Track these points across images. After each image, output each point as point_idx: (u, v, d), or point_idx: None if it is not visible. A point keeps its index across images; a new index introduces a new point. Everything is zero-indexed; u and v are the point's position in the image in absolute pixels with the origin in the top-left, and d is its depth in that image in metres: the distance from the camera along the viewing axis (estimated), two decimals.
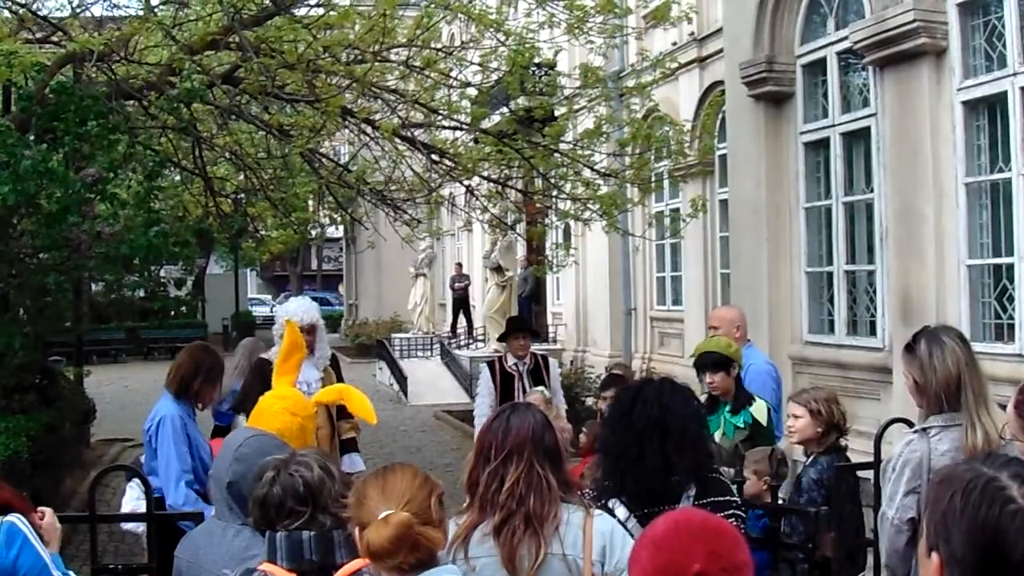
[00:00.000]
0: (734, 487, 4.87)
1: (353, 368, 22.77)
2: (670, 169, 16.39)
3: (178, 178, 15.15)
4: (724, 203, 15.19)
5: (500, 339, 9.98)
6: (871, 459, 5.49)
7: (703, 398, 6.28)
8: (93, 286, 13.59)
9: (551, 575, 3.49)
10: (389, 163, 13.44)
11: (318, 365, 7.80)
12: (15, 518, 3.17)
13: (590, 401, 15.79)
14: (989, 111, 8.98)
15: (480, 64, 12.27)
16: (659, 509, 3.92)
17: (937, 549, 1.87)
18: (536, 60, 13.30)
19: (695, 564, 2.23)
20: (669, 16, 13.37)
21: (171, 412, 6.30)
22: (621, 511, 3.94)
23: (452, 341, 26.91)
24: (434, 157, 12.60)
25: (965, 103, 9.05)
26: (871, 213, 10.48)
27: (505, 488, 3.54)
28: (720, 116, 15.12)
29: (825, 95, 11.09)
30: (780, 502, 5.79)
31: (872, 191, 10.39)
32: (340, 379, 7.85)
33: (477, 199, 13.98)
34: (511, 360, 9.44)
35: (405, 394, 23.09)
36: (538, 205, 15.35)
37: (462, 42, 12.73)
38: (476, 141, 13.27)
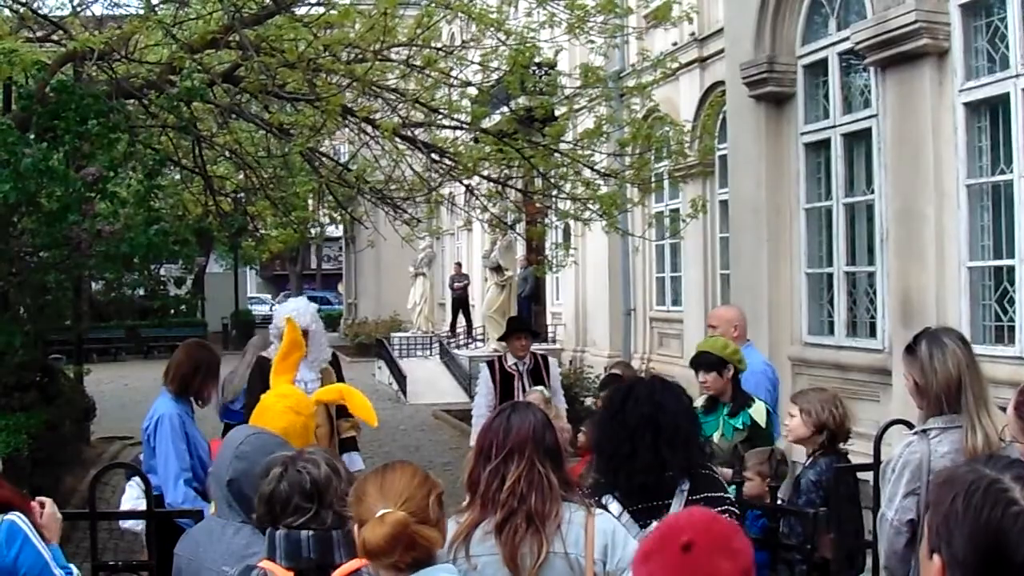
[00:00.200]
0: (732, 487, 4.88)
1: (352, 367, 22.77)
2: (670, 169, 16.39)
3: (178, 177, 15.15)
4: (724, 203, 15.19)
5: (501, 339, 9.98)
6: (870, 460, 5.48)
7: (702, 398, 6.30)
8: (93, 284, 13.60)
9: (553, 574, 3.49)
10: (389, 162, 13.44)
11: (313, 367, 7.76)
12: (15, 516, 3.17)
13: (589, 401, 15.78)
14: (991, 113, 8.97)
15: (480, 63, 12.26)
16: (652, 504, 3.95)
17: (939, 551, 1.87)
18: (536, 60, 13.28)
19: (684, 536, 2.28)
20: (670, 16, 13.39)
21: (170, 410, 6.31)
22: (614, 507, 3.96)
23: (451, 341, 26.92)
24: (434, 156, 12.60)
25: (967, 104, 9.03)
26: (872, 214, 10.47)
27: (506, 487, 3.54)
28: (720, 116, 15.12)
29: (826, 96, 11.08)
30: (779, 502, 5.79)
31: (873, 192, 10.38)
32: (341, 379, 7.85)
33: (477, 198, 13.98)
34: (511, 360, 9.44)
35: (404, 393, 23.10)
36: (538, 205, 15.34)
37: (463, 41, 12.73)
38: (476, 140, 13.26)
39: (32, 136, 8.98)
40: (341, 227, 34.83)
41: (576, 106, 13.20)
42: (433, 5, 11.01)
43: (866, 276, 10.77)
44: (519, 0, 12.54)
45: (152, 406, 6.47)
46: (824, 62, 11.03)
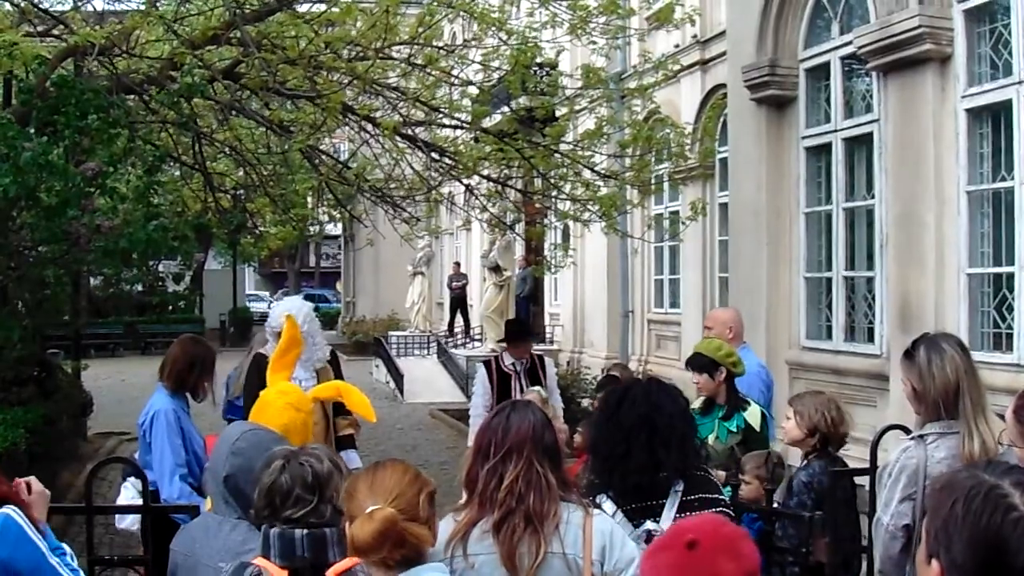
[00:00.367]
0: (727, 489, 4.88)
1: (350, 366, 22.69)
2: (670, 171, 16.38)
3: (178, 173, 15.14)
4: (724, 206, 15.19)
5: (501, 341, 9.97)
6: (867, 465, 5.48)
7: (699, 401, 6.31)
8: (92, 280, 13.59)
9: (551, 574, 3.49)
10: (389, 161, 13.42)
11: (307, 366, 7.70)
12: (10, 510, 3.16)
13: (586, 402, 15.78)
14: (993, 119, 8.96)
15: (482, 63, 12.26)
16: (646, 504, 3.95)
17: (938, 556, 1.86)
18: (538, 60, 13.27)
19: (689, 534, 2.34)
20: (672, 18, 13.33)
21: (165, 406, 6.31)
22: (608, 505, 3.97)
23: (449, 340, 26.93)
24: (434, 155, 12.58)
25: (969, 110, 9.02)
26: (871, 219, 10.47)
27: (504, 486, 3.53)
28: (721, 119, 15.13)
29: (828, 100, 11.08)
30: (775, 505, 5.79)
31: (873, 197, 10.38)
32: (340, 377, 7.83)
33: (476, 198, 13.97)
34: (508, 360, 9.43)
35: (401, 392, 23.12)
36: (537, 205, 15.33)
37: (464, 40, 12.71)
38: (476, 140, 13.25)
39: (32, 130, 8.96)
40: (340, 225, 34.82)
41: (577, 107, 13.20)
42: (435, 4, 11.00)
43: (865, 281, 10.77)
44: (521, 0, 12.53)
45: (148, 402, 6.46)
46: (826, 66, 11.03)
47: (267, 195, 15.05)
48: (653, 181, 15.31)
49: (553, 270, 16.75)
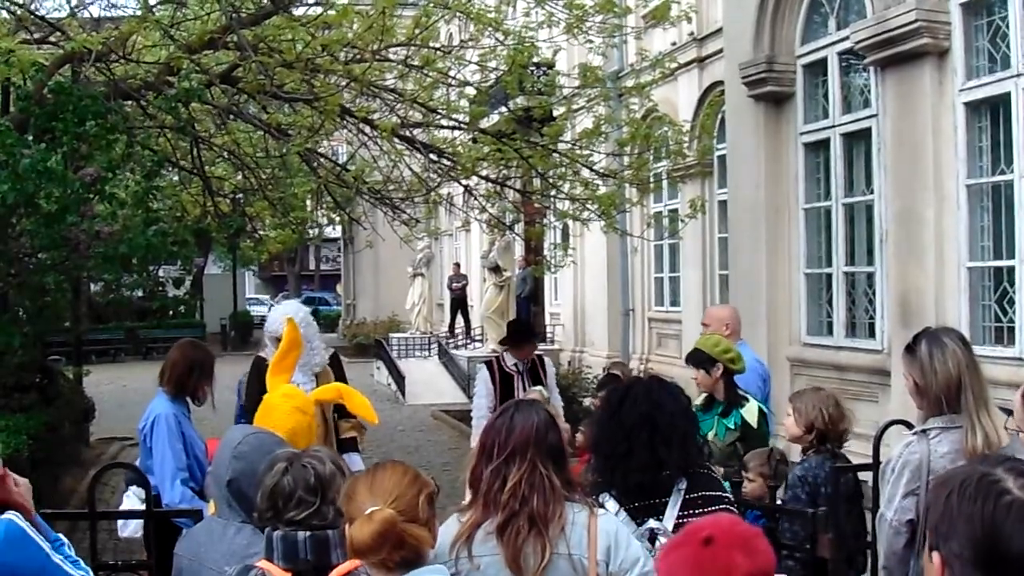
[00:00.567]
0: (726, 485, 4.87)
1: (351, 368, 22.61)
2: (669, 169, 16.37)
3: (176, 178, 15.14)
4: (723, 204, 15.19)
5: (503, 343, 9.95)
6: (869, 461, 5.48)
7: (701, 397, 6.32)
8: (92, 286, 13.59)
9: (556, 574, 3.48)
10: (387, 162, 13.43)
11: (305, 370, 7.64)
12: (12, 515, 3.15)
13: (588, 401, 15.78)
14: (991, 112, 8.96)
15: (479, 63, 12.26)
16: (649, 503, 3.95)
17: (938, 549, 1.88)
18: (535, 59, 13.28)
19: (706, 531, 2.38)
20: (668, 16, 13.36)
21: (166, 411, 6.30)
22: (611, 504, 3.96)
23: (450, 341, 26.93)
24: (432, 156, 12.58)
25: (967, 104, 9.02)
26: (871, 214, 10.47)
27: (507, 488, 3.52)
28: (719, 116, 15.12)
29: (826, 95, 11.08)
30: (779, 502, 5.80)
31: (872, 192, 10.38)
32: (343, 380, 7.81)
33: (475, 199, 13.98)
34: (510, 360, 9.43)
35: (403, 394, 23.10)
36: (536, 205, 15.33)
37: (461, 41, 12.72)
38: (474, 141, 13.25)
39: (30, 137, 8.97)
40: (339, 228, 34.89)
41: (575, 106, 13.19)
42: (431, 5, 11.00)
43: (865, 276, 10.77)
44: (517, 0, 12.53)
45: (148, 406, 6.46)
46: (824, 62, 11.03)
47: (266, 198, 15.06)
48: (652, 179, 15.31)
49: (553, 270, 16.76)
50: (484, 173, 13.38)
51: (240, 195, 16.01)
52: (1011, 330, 8.76)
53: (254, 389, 7.40)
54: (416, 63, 11.37)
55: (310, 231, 24.53)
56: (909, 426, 4.90)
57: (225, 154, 13.70)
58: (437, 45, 12.14)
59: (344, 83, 10.88)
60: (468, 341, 26.64)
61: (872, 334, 10.54)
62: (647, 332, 19.77)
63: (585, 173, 12.71)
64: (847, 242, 10.88)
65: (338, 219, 21.06)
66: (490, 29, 11.39)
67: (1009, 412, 4.60)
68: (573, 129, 13.56)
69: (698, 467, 4.15)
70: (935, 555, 1.88)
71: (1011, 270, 8.71)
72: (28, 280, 9.53)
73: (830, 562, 5.30)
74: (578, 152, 12.70)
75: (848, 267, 10.90)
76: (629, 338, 20.14)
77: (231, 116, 11.85)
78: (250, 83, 10.28)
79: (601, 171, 12.81)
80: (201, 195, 14.78)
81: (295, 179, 14.55)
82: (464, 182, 13.78)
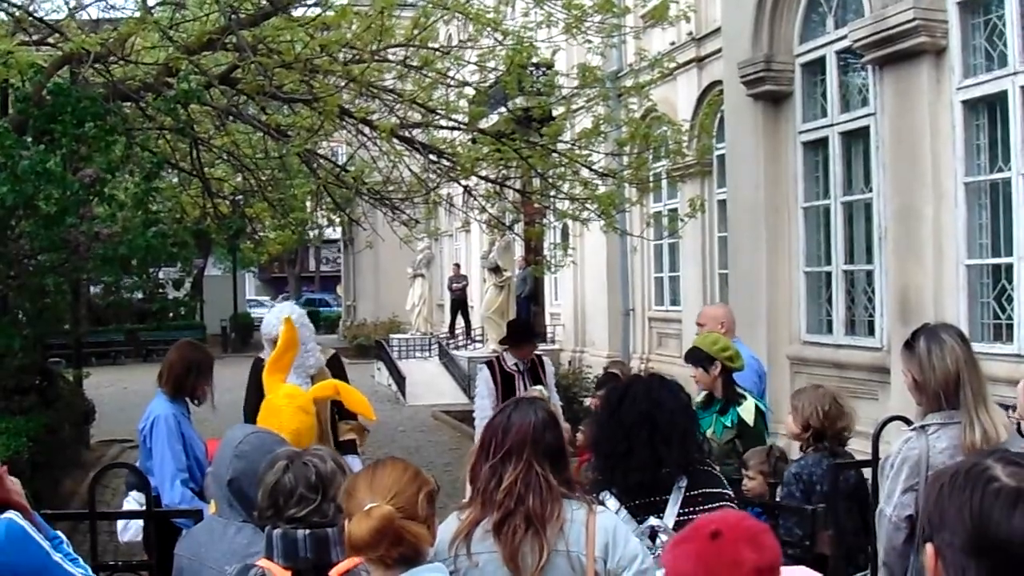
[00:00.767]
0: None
1: (351, 369, 22.57)
2: (668, 169, 16.39)
3: (176, 179, 15.15)
4: (722, 203, 15.19)
5: (503, 343, 9.95)
6: (869, 458, 5.49)
7: (701, 395, 6.34)
8: (92, 288, 13.60)
9: (554, 572, 3.48)
10: (387, 163, 13.43)
11: (299, 372, 7.57)
12: (12, 514, 3.16)
13: (588, 401, 15.78)
14: (989, 110, 8.96)
15: (478, 64, 12.26)
16: (650, 500, 3.95)
17: (931, 539, 1.90)
18: (534, 60, 13.29)
19: (713, 524, 2.39)
20: (667, 16, 13.37)
21: (165, 411, 6.31)
22: (612, 503, 3.97)
23: (450, 342, 26.93)
24: (432, 157, 12.59)
25: (965, 102, 9.03)
26: (870, 213, 10.47)
27: (503, 487, 3.53)
28: (718, 116, 15.13)
29: (824, 94, 11.08)
30: (778, 500, 5.82)
31: (871, 191, 10.38)
32: (346, 375, 7.79)
33: (475, 199, 13.98)
34: (511, 360, 9.43)
35: (403, 395, 23.10)
36: (536, 205, 15.34)
37: (460, 41, 12.73)
38: (474, 141, 13.26)
39: (29, 139, 8.97)
40: (339, 229, 34.85)
41: (574, 106, 13.20)
42: (430, 5, 11.01)
43: (864, 275, 10.77)
44: (516, 0, 12.54)
45: (148, 408, 6.47)
46: (822, 60, 11.03)
47: (266, 200, 15.07)
48: (651, 179, 15.31)
49: (553, 270, 16.77)
50: (483, 173, 13.39)
51: (240, 196, 16.01)
52: (1009, 327, 8.77)
53: (253, 390, 7.39)
54: (415, 63, 11.38)
55: (310, 232, 24.49)
56: (908, 422, 4.90)
57: (224, 155, 13.70)
58: (436, 45, 12.15)
59: (343, 84, 10.89)
60: (468, 342, 26.65)
61: (871, 332, 10.54)
62: (647, 332, 19.78)
63: (584, 173, 12.72)
64: (846, 240, 10.89)
65: (338, 220, 21.04)
66: (489, 29, 11.40)
67: (1008, 407, 4.61)
68: (572, 129, 13.57)
69: (698, 464, 4.16)
70: (928, 546, 1.90)
71: (1009, 267, 8.72)
72: (28, 282, 9.53)
73: (830, 559, 5.31)
74: (577, 152, 12.71)
75: (847, 265, 10.90)
76: (629, 338, 20.15)
77: (230, 117, 11.86)
78: (249, 84, 10.29)
79: (600, 171, 12.82)
80: (201, 196, 14.79)
81: (295, 180, 14.55)
82: (464, 182, 13.79)
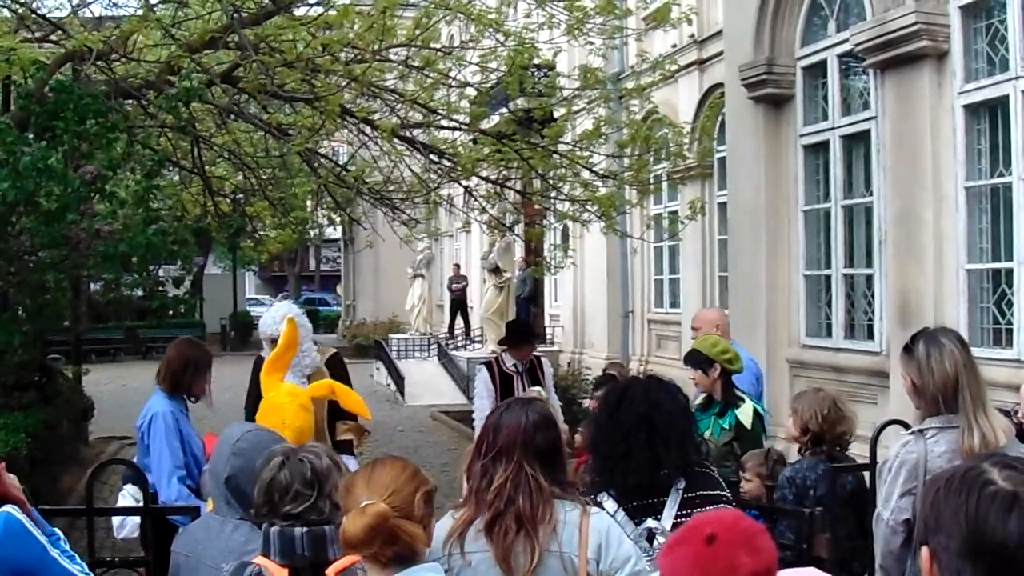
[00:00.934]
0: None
1: (351, 368, 22.72)
2: (669, 171, 16.40)
3: (177, 177, 15.14)
4: (723, 205, 15.19)
5: (502, 343, 9.96)
6: (867, 462, 5.49)
7: (700, 397, 6.35)
8: (92, 285, 13.60)
9: (546, 573, 3.49)
10: (388, 163, 13.44)
11: (296, 372, 7.52)
12: (10, 508, 3.16)
13: (587, 403, 15.78)
14: (990, 115, 8.97)
15: (479, 64, 12.27)
16: (647, 502, 3.95)
17: (926, 543, 1.90)
18: (535, 61, 13.30)
19: (709, 528, 2.35)
20: (669, 18, 13.38)
21: (163, 408, 6.30)
22: (610, 504, 3.96)
23: (449, 342, 26.93)
24: (433, 157, 12.59)
25: (966, 107, 9.03)
26: (870, 216, 10.47)
27: (493, 488, 3.54)
28: (719, 118, 15.14)
29: (825, 97, 11.09)
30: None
31: (871, 194, 10.39)
32: (347, 382, 7.78)
33: (476, 200, 13.98)
34: (509, 361, 9.44)
35: (402, 394, 23.10)
36: (536, 206, 15.35)
37: (461, 42, 12.74)
38: (475, 141, 13.26)
39: (31, 136, 8.97)
40: (340, 228, 34.84)
41: (575, 107, 13.20)
42: (432, 6, 11.02)
43: (864, 278, 10.78)
44: (518, 1, 12.55)
45: (146, 405, 6.47)
46: (823, 64, 11.04)
47: (266, 198, 15.07)
48: (652, 181, 15.33)
49: (553, 271, 16.76)
50: (484, 174, 13.39)
51: (240, 195, 16.02)
52: (1009, 332, 8.77)
53: (255, 388, 7.39)
54: (417, 64, 11.38)
55: (310, 231, 24.52)
56: (906, 426, 4.90)
57: (225, 154, 13.71)
58: (438, 46, 12.17)
59: (345, 83, 10.89)
60: (468, 342, 26.65)
61: (871, 336, 10.54)
62: (647, 334, 19.77)
63: (585, 174, 12.72)
64: (846, 244, 10.89)
65: (338, 219, 21.02)
66: (491, 30, 11.40)
67: (1006, 413, 4.61)
68: (573, 130, 13.57)
69: (696, 466, 4.16)
70: (924, 549, 1.90)
71: (1009, 272, 8.72)
72: (28, 279, 9.53)
73: (828, 562, 5.30)
74: (578, 153, 12.71)
75: (847, 269, 10.90)
76: (629, 339, 20.15)
77: (232, 116, 11.86)
78: (251, 83, 10.29)
79: (601, 172, 12.82)
80: (201, 195, 14.79)
81: (295, 179, 14.56)
82: (464, 183, 13.78)
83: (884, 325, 10.13)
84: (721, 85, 14.12)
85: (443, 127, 12.96)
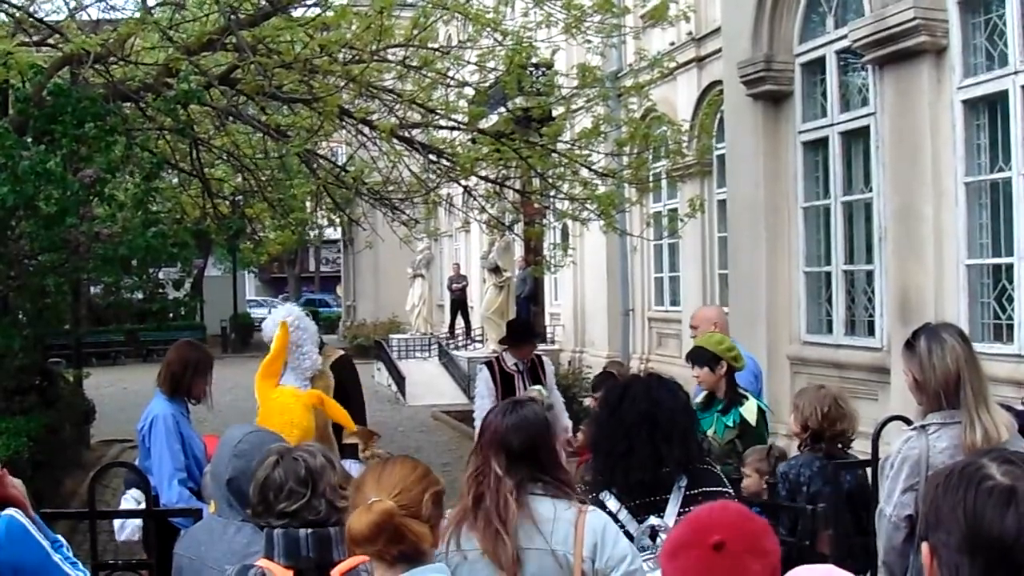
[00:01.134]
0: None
1: None
2: (668, 169, 16.39)
3: (176, 180, 15.15)
4: (722, 203, 15.19)
5: (504, 344, 9.96)
6: (869, 458, 5.49)
7: (701, 396, 6.34)
8: (92, 288, 13.61)
9: (542, 571, 3.52)
10: (387, 163, 13.44)
11: (297, 374, 7.46)
12: (13, 511, 3.16)
13: (588, 402, 15.78)
14: (989, 110, 8.96)
15: (477, 64, 12.26)
16: (650, 500, 3.96)
17: (927, 538, 1.92)
18: (533, 60, 13.30)
19: (716, 535, 2.32)
20: (667, 15, 13.37)
21: (164, 411, 6.31)
22: (612, 503, 3.98)
23: (450, 342, 26.93)
24: (432, 157, 12.59)
25: (965, 102, 9.02)
26: (870, 213, 10.47)
27: (471, 486, 3.64)
28: (718, 116, 15.13)
29: (824, 94, 11.08)
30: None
31: (871, 190, 10.38)
32: (354, 383, 7.75)
33: (475, 199, 13.99)
34: (510, 360, 9.44)
35: (403, 395, 23.11)
36: (536, 205, 15.36)
37: (459, 41, 12.73)
38: (474, 141, 13.27)
39: (29, 139, 8.97)
40: (339, 229, 34.85)
41: (573, 106, 13.21)
42: (430, 5, 11.01)
43: (864, 274, 10.77)
44: (516, 0, 12.55)
45: (147, 408, 6.48)
46: (822, 60, 11.03)
47: (265, 200, 15.07)
48: (651, 179, 15.32)
49: (553, 270, 16.77)
50: (483, 173, 13.39)
51: (240, 197, 16.02)
52: (1010, 327, 8.76)
53: None
54: (415, 64, 11.38)
55: (310, 232, 24.53)
56: (908, 422, 4.90)
57: (224, 156, 13.70)
58: (436, 46, 12.15)
59: (343, 84, 10.89)
60: (468, 342, 26.65)
61: (872, 332, 10.54)
62: (647, 332, 19.77)
63: (584, 173, 12.73)
64: (846, 240, 10.88)
65: (338, 220, 21.06)
66: (488, 29, 11.40)
67: (1009, 408, 4.60)
68: (572, 129, 13.57)
69: (699, 463, 4.17)
70: (924, 545, 1.91)
71: (1009, 267, 8.71)
72: (28, 282, 9.53)
73: (830, 559, 5.30)
74: (577, 152, 12.71)
75: (847, 265, 10.90)
76: (629, 338, 20.15)
77: (230, 117, 11.86)
78: (249, 84, 10.29)
79: (600, 171, 12.82)
80: (200, 197, 14.79)
81: (294, 180, 14.55)
82: (463, 182, 13.79)
83: (885, 321, 10.12)
84: (720, 82, 14.12)
85: (442, 127, 12.96)
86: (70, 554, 3.34)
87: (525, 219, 16.59)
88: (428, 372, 24.93)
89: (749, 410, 6.24)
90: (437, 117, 12.52)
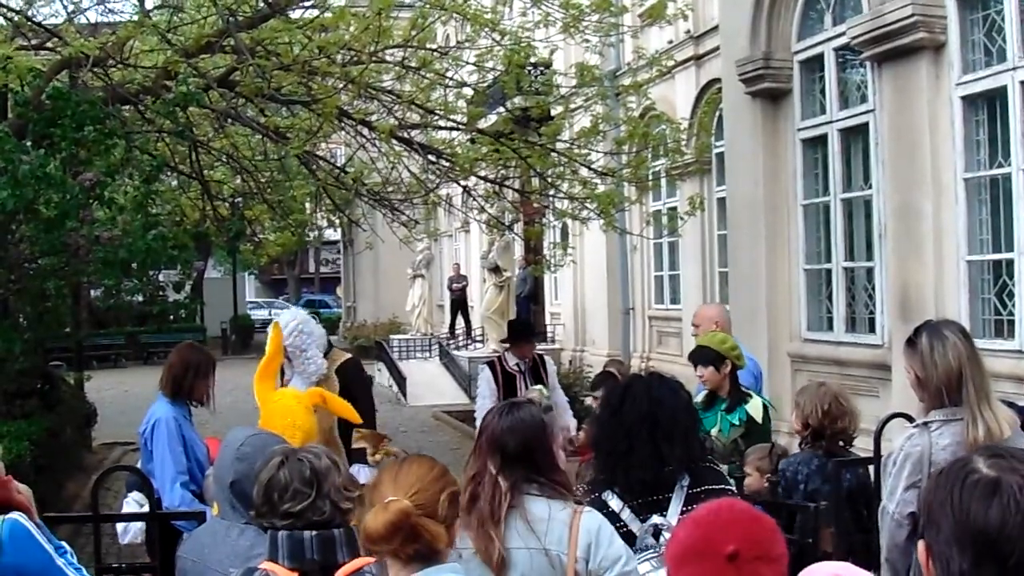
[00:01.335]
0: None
1: None
2: (667, 167, 16.38)
3: (175, 182, 15.16)
4: (722, 201, 15.18)
5: (504, 342, 9.97)
6: (871, 455, 5.49)
7: (702, 395, 6.33)
8: (92, 291, 13.62)
9: (534, 571, 3.53)
10: (386, 164, 13.44)
11: (302, 378, 7.39)
12: (17, 515, 3.17)
13: (589, 400, 15.78)
14: (988, 106, 8.95)
15: (476, 64, 12.26)
16: (653, 499, 3.97)
17: (923, 536, 1.94)
18: (532, 59, 13.29)
19: (730, 544, 2.30)
20: (665, 14, 13.37)
21: (166, 414, 6.31)
22: (615, 502, 3.99)
23: (451, 342, 26.93)
24: (431, 157, 12.60)
25: (964, 98, 9.02)
26: (869, 210, 10.47)
27: (468, 487, 3.66)
28: (717, 114, 15.13)
29: (823, 91, 11.08)
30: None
31: (870, 187, 10.38)
32: (362, 386, 7.70)
33: (474, 199, 13.99)
34: (512, 360, 9.45)
35: (404, 395, 23.11)
36: (535, 205, 15.34)
37: (458, 42, 12.73)
38: (473, 141, 13.27)
39: (29, 143, 8.98)
40: (339, 230, 34.86)
41: (572, 105, 13.21)
42: (428, 6, 11.01)
43: (865, 271, 10.77)
44: (514, 0, 12.55)
45: (149, 410, 6.48)
46: (820, 57, 11.03)
47: (265, 202, 15.08)
48: (650, 177, 15.31)
49: (553, 269, 16.77)
50: (482, 173, 13.39)
51: (239, 198, 16.05)
52: (1011, 323, 8.76)
53: None
54: (413, 64, 11.38)
55: (309, 234, 24.54)
56: (910, 419, 4.90)
57: (224, 158, 13.72)
58: (434, 46, 12.16)
59: (341, 85, 10.89)
60: (469, 342, 26.64)
61: (872, 329, 10.54)
62: (647, 330, 19.77)
63: (583, 172, 12.73)
64: (846, 237, 10.88)
65: (337, 221, 21.08)
66: (487, 29, 11.40)
67: (1011, 404, 4.60)
68: (571, 128, 13.57)
69: (700, 462, 4.17)
70: (920, 542, 1.95)
71: (1010, 263, 8.71)
72: (28, 286, 9.53)
73: (832, 557, 5.30)
74: (576, 151, 12.72)
75: (847, 262, 10.89)
76: (630, 336, 20.15)
77: (229, 120, 11.87)
78: (248, 86, 10.29)
79: (599, 170, 12.82)
80: (200, 199, 14.79)
81: (294, 182, 14.57)
82: (463, 183, 13.79)
83: (885, 318, 10.12)
84: (718, 80, 14.11)
85: (441, 127, 12.97)
86: (74, 560, 3.34)
87: (525, 219, 16.59)
88: (429, 372, 24.93)
89: (755, 408, 6.24)
90: (436, 117, 12.53)
